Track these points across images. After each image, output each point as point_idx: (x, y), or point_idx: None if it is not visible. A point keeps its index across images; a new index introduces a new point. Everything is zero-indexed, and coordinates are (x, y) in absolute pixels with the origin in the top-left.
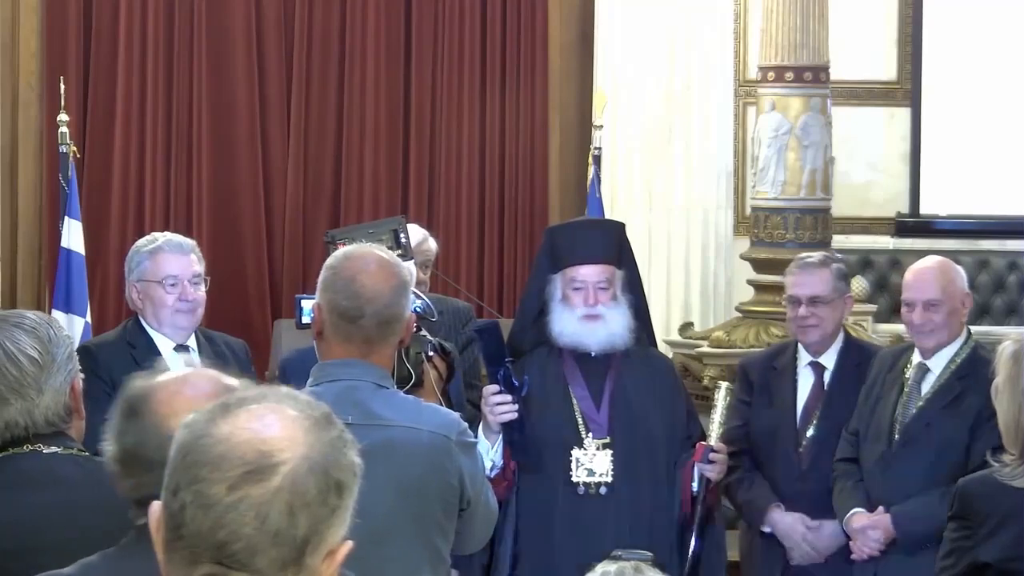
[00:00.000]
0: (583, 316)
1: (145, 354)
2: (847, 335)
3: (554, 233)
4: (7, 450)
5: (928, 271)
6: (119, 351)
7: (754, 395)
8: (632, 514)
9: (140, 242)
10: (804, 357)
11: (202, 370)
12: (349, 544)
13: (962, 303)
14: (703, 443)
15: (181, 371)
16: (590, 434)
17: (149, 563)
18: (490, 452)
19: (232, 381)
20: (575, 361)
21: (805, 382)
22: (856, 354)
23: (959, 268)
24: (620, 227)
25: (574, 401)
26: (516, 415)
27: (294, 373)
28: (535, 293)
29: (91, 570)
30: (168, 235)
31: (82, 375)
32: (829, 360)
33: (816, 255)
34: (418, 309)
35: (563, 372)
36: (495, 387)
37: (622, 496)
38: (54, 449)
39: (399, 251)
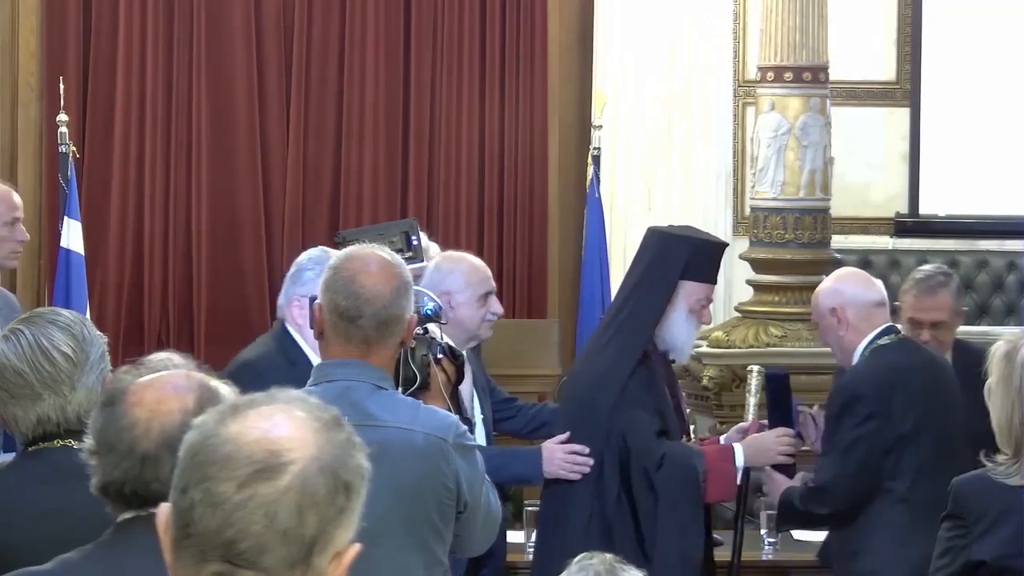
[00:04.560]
0: (696, 329)
1: (306, 372)
2: None
3: (700, 248)
4: (38, 445)
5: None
6: (281, 369)
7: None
8: None
9: (319, 256)
10: None
11: (185, 370)
12: (357, 547)
13: (836, 319)
14: (756, 422)
15: (165, 369)
16: (683, 436)
17: (125, 558)
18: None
19: (217, 384)
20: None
21: None
22: (966, 356)
23: (838, 285)
24: None
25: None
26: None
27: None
28: (662, 299)
29: (69, 566)
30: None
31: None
32: None
33: (938, 275)
34: (430, 311)
35: (665, 376)
36: (792, 431)
37: None
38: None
39: (409, 253)
